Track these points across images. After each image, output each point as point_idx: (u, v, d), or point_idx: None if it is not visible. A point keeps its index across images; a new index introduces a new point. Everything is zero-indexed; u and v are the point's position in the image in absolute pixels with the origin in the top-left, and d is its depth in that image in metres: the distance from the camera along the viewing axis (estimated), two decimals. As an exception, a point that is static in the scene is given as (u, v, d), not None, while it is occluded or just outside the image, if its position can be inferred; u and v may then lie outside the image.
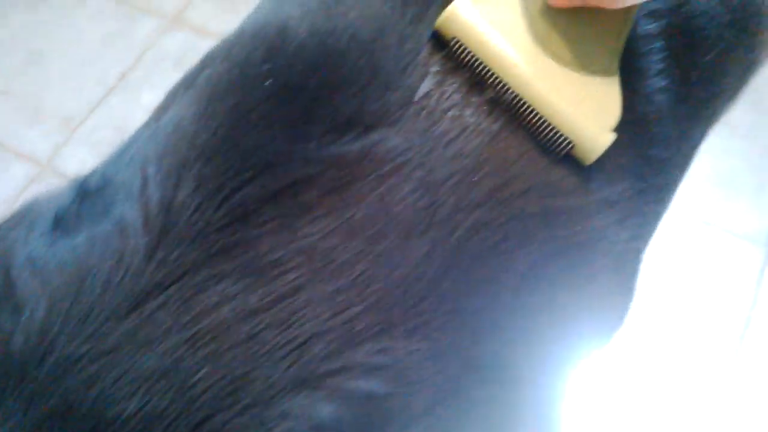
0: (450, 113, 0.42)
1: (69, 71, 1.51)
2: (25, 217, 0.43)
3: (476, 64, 0.41)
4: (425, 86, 0.42)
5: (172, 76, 1.48)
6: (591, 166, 0.43)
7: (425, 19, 0.43)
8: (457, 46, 0.42)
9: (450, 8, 0.41)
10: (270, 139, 0.40)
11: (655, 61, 0.46)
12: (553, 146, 0.41)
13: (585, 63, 0.42)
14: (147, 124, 0.45)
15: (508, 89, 0.41)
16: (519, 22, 0.42)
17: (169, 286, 0.37)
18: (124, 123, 1.43)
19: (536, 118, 0.41)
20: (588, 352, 0.46)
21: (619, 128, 0.43)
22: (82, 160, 1.39)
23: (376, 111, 0.41)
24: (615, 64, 0.43)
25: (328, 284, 0.37)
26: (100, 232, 0.39)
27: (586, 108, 0.41)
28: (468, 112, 0.42)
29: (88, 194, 0.42)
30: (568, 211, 0.42)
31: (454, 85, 0.42)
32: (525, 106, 0.41)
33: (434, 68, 0.42)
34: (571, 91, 0.41)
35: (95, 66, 1.51)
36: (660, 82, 0.45)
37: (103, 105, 1.46)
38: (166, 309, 0.36)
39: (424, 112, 0.41)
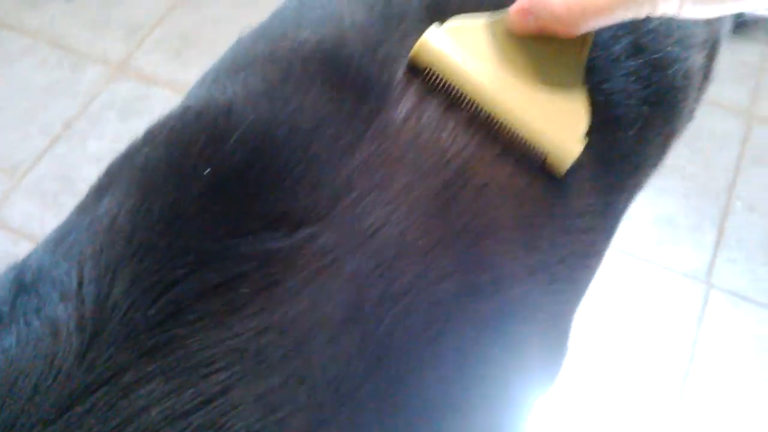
0: (375, 210, 0.43)
1: (13, 120, 1.49)
2: None
3: (449, 88, 0.45)
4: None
5: (118, 125, 1.48)
6: (514, 237, 0.45)
7: (359, 114, 0.44)
8: (430, 73, 0.45)
9: (422, 38, 0.45)
10: (205, 235, 0.40)
11: None
12: (528, 159, 0.46)
13: (550, 80, 0.46)
14: (84, 207, 0.46)
15: (481, 109, 0.45)
16: (487, 46, 0.46)
17: (98, 389, 0.36)
18: (70, 172, 1.42)
19: (509, 134, 0.45)
20: (522, 414, 0.47)
21: (540, 201, 0.46)
22: (26, 210, 1.37)
23: (308, 206, 0.41)
24: (579, 78, 0.47)
25: (258, 384, 0.37)
26: (33, 333, 0.38)
27: (555, 121, 0.45)
28: (389, 208, 0.43)
29: (24, 287, 0.42)
30: (492, 282, 0.44)
31: (378, 179, 0.44)
32: (498, 124, 0.45)
33: (361, 157, 0.44)
34: (540, 107, 0.45)
35: (40, 115, 1.50)
36: (582, 158, 0.47)
37: (49, 154, 1.44)
38: (93, 413, 0.36)
39: (352, 206, 0.42)
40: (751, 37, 1.58)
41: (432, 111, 0.46)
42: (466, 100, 0.45)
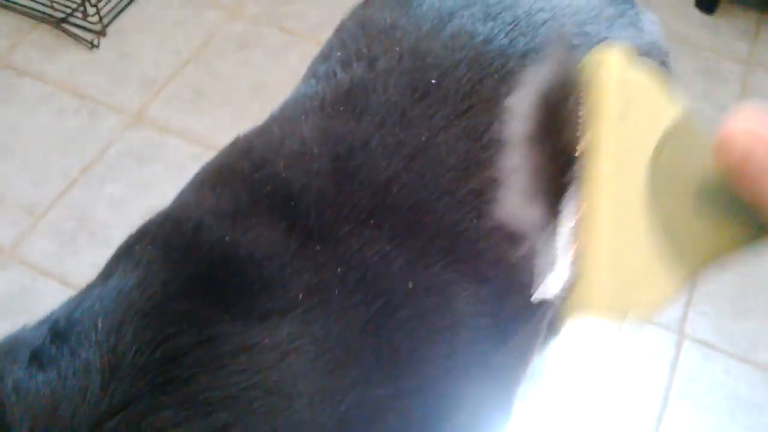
0: (318, 320, 0.56)
1: (34, 164, 1.59)
2: (7, 352, 0.54)
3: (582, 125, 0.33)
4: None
5: (134, 171, 1.58)
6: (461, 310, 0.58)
7: (304, 253, 0.57)
8: (588, 95, 0.34)
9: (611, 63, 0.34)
10: (191, 307, 0.54)
11: None
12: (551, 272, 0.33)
13: (666, 247, 0.33)
14: (95, 284, 0.59)
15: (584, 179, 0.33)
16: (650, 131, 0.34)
17: (119, 412, 0.48)
18: (87, 213, 1.51)
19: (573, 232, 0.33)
20: None
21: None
22: (45, 248, 1.46)
23: (268, 310, 0.55)
24: (686, 273, 0.35)
25: (249, 428, 0.50)
26: (70, 370, 0.50)
27: (629, 269, 0.32)
28: (328, 323, 0.56)
29: (58, 335, 0.54)
30: (417, 385, 0.60)
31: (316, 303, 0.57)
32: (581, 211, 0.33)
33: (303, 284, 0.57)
34: (633, 242, 0.33)
35: (59, 159, 1.59)
36: None
37: (67, 196, 1.53)
38: (120, 430, 0.47)
39: (299, 318, 0.55)
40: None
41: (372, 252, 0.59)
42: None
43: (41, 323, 0.56)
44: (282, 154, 0.63)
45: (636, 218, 0.33)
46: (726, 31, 1.86)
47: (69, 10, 1.80)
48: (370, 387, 0.56)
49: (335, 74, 0.67)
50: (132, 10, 1.86)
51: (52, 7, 1.79)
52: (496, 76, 0.64)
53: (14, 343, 0.54)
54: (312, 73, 0.72)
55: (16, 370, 0.50)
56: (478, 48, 0.64)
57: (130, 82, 1.73)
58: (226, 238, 0.58)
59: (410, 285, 0.59)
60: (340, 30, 0.73)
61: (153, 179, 1.51)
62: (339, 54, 0.69)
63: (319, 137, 0.63)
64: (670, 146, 0.34)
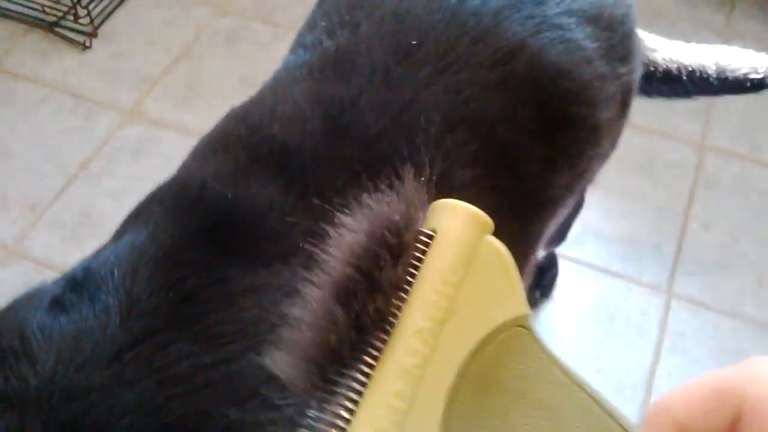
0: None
1: (33, 163, 1.63)
2: (30, 299, 0.58)
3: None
4: None
5: (131, 165, 1.62)
6: None
7: (302, 205, 0.61)
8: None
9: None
10: (200, 254, 0.58)
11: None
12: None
13: None
14: (108, 244, 0.64)
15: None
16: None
17: (137, 344, 0.53)
18: (87, 208, 1.55)
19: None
20: None
21: None
22: (47, 242, 1.50)
23: (271, 255, 0.59)
24: None
25: (257, 359, 0.54)
26: (90, 312, 0.55)
27: None
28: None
29: (76, 284, 0.58)
30: None
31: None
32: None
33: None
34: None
35: (58, 157, 1.63)
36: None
37: (67, 192, 1.57)
38: (138, 360, 0.52)
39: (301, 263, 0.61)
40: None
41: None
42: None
43: (60, 278, 0.60)
44: (276, 117, 0.67)
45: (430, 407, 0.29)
46: (703, 4, 1.91)
47: (60, 14, 1.84)
48: None
49: (321, 42, 0.72)
50: (122, 11, 1.90)
51: (43, 12, 1.83)
52: (472, 33, 0.68)
53: (36, 293, 0.58)
54: (299, 43, 0.76)
55: (39, 314, 0.54)
56: (454, 8, 0.69)
57: (124, 80, 1.77)
58: (229, 195, 0.62)
59: None
60: (322, 1, 0.77)
61: (149, 172, 1.54)
62: (323, 24, 0.73)
63: (310, 100, 0.67)
64: (499, 343, 0.31)
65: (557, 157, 0.70)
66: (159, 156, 1.60)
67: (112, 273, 0.56)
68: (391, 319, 0.30)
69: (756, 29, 1.85)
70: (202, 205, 0.62)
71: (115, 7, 1.90)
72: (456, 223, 0.32)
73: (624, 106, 0.78)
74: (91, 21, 1.82)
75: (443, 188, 0.66)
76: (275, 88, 0.71)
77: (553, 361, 0.31)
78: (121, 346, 0.52)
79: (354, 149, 0.64)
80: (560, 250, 1.45)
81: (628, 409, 1.29)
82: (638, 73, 0.80)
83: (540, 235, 0.74)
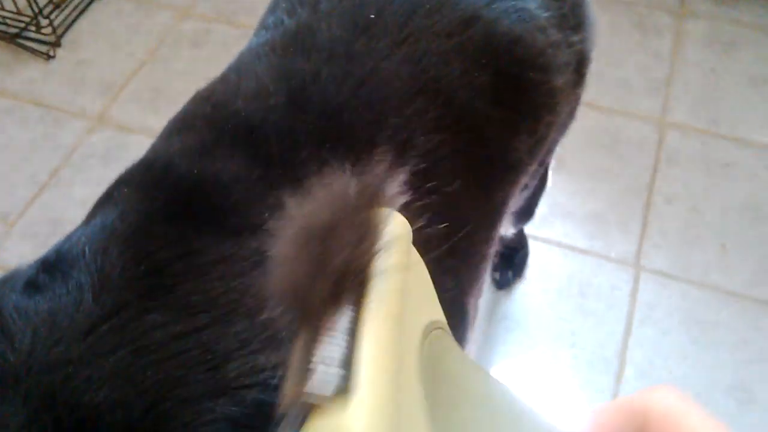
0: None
1: (2, 173, 1.62)
2: (4, 283, 0.59)
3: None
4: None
5: (101, 171, 1.63)
6: None
7: (267, 178, 0.63)
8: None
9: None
10: (169, 228, 0.60)
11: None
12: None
13: None
14: (80, 226, 0.65)
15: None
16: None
17: (111, 317, 0.54)
18: (59, 216, 1.55)
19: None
20: None
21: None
22: (21, 252, 1.50)
23: (239, 226, 0.60)
24: None
25: (232, 326, 0.54)
26: (63, 290, 0.56)
27: None
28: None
29: (49, 265, 0.59)
30: None
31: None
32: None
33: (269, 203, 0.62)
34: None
35: (27, 167, 1.63)
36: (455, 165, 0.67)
37: (38, 201, 1.57)
38: (113, 331, 0.53)
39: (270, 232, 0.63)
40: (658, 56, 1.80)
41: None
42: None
43: (33, 262, 0.62)
44: (240, 94, 0.69)
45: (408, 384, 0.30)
46: (656, -12, 1.96)
47: (23, 25, 1.84)
48: None
49: (282, 22, 0.73)
50: (84, 19, 1.91)
51: (5, 24, 1.83)
52: (428, 5, 0.70)
53: (10, 277, 0.59)
54: (262, 25, 0.78)
55: (14, 296, 0.56)
56: None
57: (89, 87, 1.77)
58: (195, 171, 0.64)
59: None
60: None
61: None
62: (284, 5, 0.75)
63: (272, 76, 0.69)
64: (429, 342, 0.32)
65: (516, 122, 0.72)
66: (129, 161, 1.59)
67: (84, 252, 0.58)
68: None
69: (710, 10, 1.90)
70: (169, 182, 0.63)
71: (78, 16, 1.90)
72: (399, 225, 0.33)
73: (579, 76, 0.81)
74: (54, 31, 1.82)
75: (407, 155, 0.69)
76: (239, 67, 0.73)
77: (467, 357, 0.35)
78: (95, 319, 0.53)
79: (317, 121, 0.66)
80: (530, 231, 1.48)
81: (603, 381, 1.32)
82: (590, 43, 0.83)
83: (504, 202, 0.76)
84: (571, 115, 0.88)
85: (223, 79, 0.73)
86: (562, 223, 1.53)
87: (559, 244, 1.50)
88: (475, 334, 0.85)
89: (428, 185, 0.69)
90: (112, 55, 1.83)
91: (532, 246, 1.48)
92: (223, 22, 1.89)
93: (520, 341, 1.38)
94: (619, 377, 1.33)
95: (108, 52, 1.84)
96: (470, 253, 0.73)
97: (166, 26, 1.89)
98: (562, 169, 1.59)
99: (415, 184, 0.68)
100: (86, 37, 1.87)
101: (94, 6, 1.93)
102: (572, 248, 1.49)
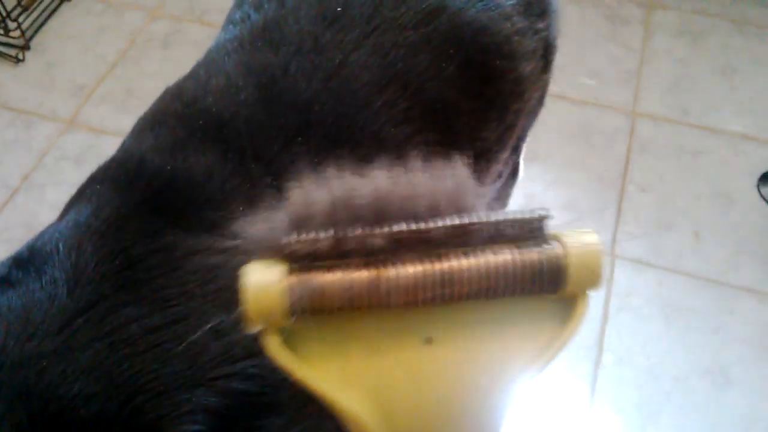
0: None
1: (-27, 178, 1.60)
2: None
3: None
4: None
5: (73, 174, 1.61)
6: None
7: (240, 172, 0.63)
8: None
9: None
10: (143, 224, 0.60)
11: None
12: None
13: None
14: (52, 224, 0.64)
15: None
16: None
17: (87, 310, 0.53)
18: (32, 220, 1.53)
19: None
20: None
21: None
22: (-6, 257, 1.48)
23: (214, 221, 0.61)
24: None
25: (205, 318, 0.55)
26: (37, 285, 0.55)
27: None
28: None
29: (22, 261, 0.58)
30: None
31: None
32: None
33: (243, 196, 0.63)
34: None
35: (-2, 171, 1.61)
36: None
37: (10, 205, 1.56)
38: (88, 325, 0.53)
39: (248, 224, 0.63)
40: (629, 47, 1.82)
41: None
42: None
43: (5, 260, 0.61)
44: (210, 90, 0.69)
45: None
46: (624, -20, 1.98)
47: (-11, 28, 1.81)
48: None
49: (249, 17, 0.73)
50: (53, 22, 1.89)
51: (-29, 27, 1.81)
52: None
53: None
54: (229, 21, 0.77)
55: None
56: None
57: (60, 90, 1.75)
58: (167, 167, 0.64)
59: None
60: None
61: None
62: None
63: (242, 71, 0.69)
64: None
65: (485, 110, 0.73)
66: (100, 163, 1.59)
67: (58, 248, 0.57)
68: None
69: (678, 1, 1.93)
70: (142, 178, 0.63)
71: (46, 19, 1.88)
72: None
73: (546, 62, 0.81)
74: (22, 34, 1.80)
75: (377, 147, 0.69)
76: (208, 63, 0.73)
77: None
78: (70, 314, 0.52)
79: (287, 115, 0.66)
80: (506, 223, 1.49)
81: (583, 368, 1.33)
82: (556, 30, 0.83)
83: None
84: (539, 102, 0.88)
85: (193, 75, 0.73)
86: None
87: (535, 235, 1.51)
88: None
89: None
90: (82, 57, 1.82)
91: (509, 237, 1.49)
92: (193, 21, 1.88)
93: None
94: (597, 364, 1.34)
95: (78, 54, 1.82)
96: None
97: (136, 27, 1.87)
98: (536, 160, 1.60)
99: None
100: (55, 40, 1.85)
101: (62, 8, 1.91)
102: (548, 239, 1.50)
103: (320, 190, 0.31)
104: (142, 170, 0.64)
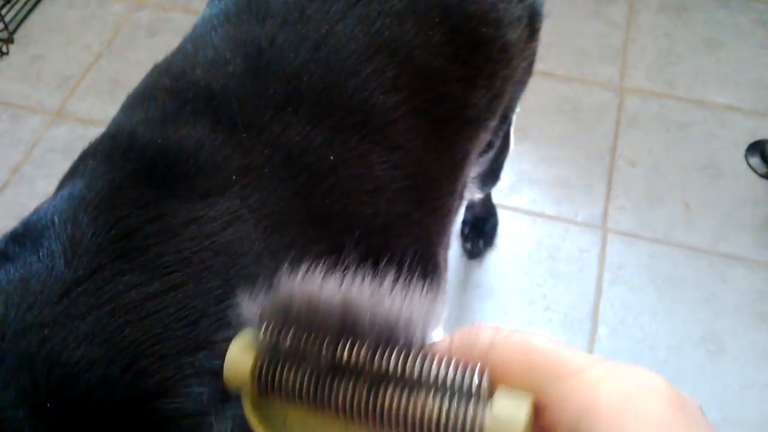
0: (254, 195, 0.62)
1: (-39, 173, 1.59)
2: None
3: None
4: None
5: (63, 165, 1.59)
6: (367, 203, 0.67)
7: (231, 141, 0.63)
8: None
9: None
10: (135, 194, 0.59)
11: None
12: None
13: None
14: (48, 199, 0.64)
15: None
16: None
17: (86, 279, 0.53)
18: (23, 212, 1.52)
19: None
20: None
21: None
22: (-14, 250, 1.47)
23: (207, 189, 0.61)
24: None
25: (206, 283, 0.55)
26: (34, 257, 0.55)
27: None
28: (263, 194, 0.63)
29: (18, 236, 0.59)
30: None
31: (251, 180, 0.63)
32: None
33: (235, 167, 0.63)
34: None
35: (-14, 165, 1.61)
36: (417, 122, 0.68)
37: (0, 198, 1.55)
38: (87, 294, 0.53)
39: (238, 193, 0.61)
40: (614, 24, 1.83)
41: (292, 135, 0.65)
42: None
43: (1, 237, 0.61)
44: (198, 64, 0.69)
45: None
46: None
47: (-28, 22, 1.80)
48: (308, 244, 0.62)
49: None
50: (36, 14, 1.87)
51: (-46, 22, 1.80)
52: None
53: None
54: None
55: None
56: None
57: (46, 82, 1.74)
58: (159, 139, 0.64)
59: (331, 158, 0.66)
60: None
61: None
62: None
63: (229, 44, 0.69)
64: None
65: (472, 78, 0.73)
66: (91, 152, 1.59)
67: (53, 221, 0.57)
68: None
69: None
70: (134, 151, 0.63)
71: (29, 11, 1.87)
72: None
73: (532, 30, 0.82)
74: (6, 27, 1.79)
75: (367, 114, 0.69)
76: (195, 38, 0.73)
77: None
78: (68, 283, 0.52)
79: (276, 85, 0.66)
80: (498, 200, 1.50)
81: (578, 341, 1.34)
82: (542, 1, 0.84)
83: (465, 156, 0.77)
84: (527, 71, 0.89)
85: (180, 50, 0.72)
86: (529, 191, 1.55)
87: (527, 212, 1.52)
88: (446, 295, 0.86)
89: (390, 142, 0.69)
90: (67, 49, 1.81)
91: (501, 215, 1.50)
92: (178, 9, 1.87)
93: (494, 308, 1.40)
94: (592, 337, 1.35)
95: (63, 46, 1.81)
96: (436, 206, 0.73)
97: (121, 16, 1.86)
98: (526, 138, 1.61)
99: (379, 142, 0.69)
100: (39, 32, 1.84)
101: (45, 0, 1.90)
102: (540, 214, 1.51)
103: (305, 286, 0.33)
104: (134, 143, 0.64)
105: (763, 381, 1.30)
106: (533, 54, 0.88)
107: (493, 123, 0.83)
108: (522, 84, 0.90)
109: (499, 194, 1.52)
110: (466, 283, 1.43)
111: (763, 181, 1.55)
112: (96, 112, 1.68)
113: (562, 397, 0.27)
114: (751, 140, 1.60)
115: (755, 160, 1.57)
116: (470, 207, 1.45)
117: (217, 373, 0.53)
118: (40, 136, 1.65)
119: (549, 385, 0.27)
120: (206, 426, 0.51)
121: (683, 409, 0.26)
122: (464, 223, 1.47)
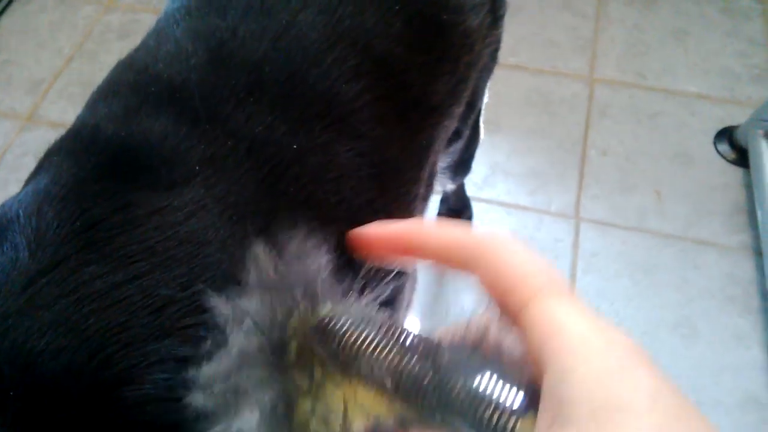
0: (220, 184, 0.63)
1: (-68, 179, 1.58)
2: None
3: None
4: None
5: (36, 169, 1.59)
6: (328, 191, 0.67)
7: (195, 133, 0.64)
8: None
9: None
10: (99, 186, 0.60)
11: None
12: None
13: None
14: (13, 195, 0.65)
15: None
16: None
17: (51, 270, 0.54)
18: (-4, 217, 1.52)
19: None
20: None
21: None
22: (-41, 256, 1.46)
23: (171, 181, 0.61)
24: None
25: (169, 272, 0.55)
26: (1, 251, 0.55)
27: None
28: (229, 184, 0.64)
29: None
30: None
31: (215, 170, 0.63)
32: None
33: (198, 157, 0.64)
34: None
35: (-42, 171, 1.59)
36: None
37: (-28, 204, 1.54)
38: (51, 284, 0.53)
39: (202, 181, 0.62)
40: (583, 15, 1.84)
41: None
42: None
43: None
44: (160, 58, 0.69)
45: None
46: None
47: (-60, 28, 1.79)
48: (272, 232, 0.62)
49: None
50: (5, 19, 1.86)
51: None
52: None
53: None
54: None
55: None
56: None
57: (17, 87, 1.73)
58: (122, 133, 0.64)
59: (295, 147, 0.67)
60: None
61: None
62: None
63: (191, 37, 0.69)
64: None
65: (435, 64, 0.74)
66: (64, 156, 1.58)
67: (18, 215, 0.57)
68: None
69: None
70: (97, 145, 0.63)
71: (-1, 16, 1.86)
72: None
73: (495, 17, 0.83)
74: (-25, 32, 1.78)
75: (330, 103, 0.70)
76: (157, 33, 0.73)
77: None
78: (33, 274, 0.53)
79: (238, 76, 0.67)
80: (473, 193, 1.51)
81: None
82: None
83: (430, 143, 0.77)
84: (492, 57, 0.90)
85: (143, 46, 0.73)
86: (504, 183, 1.56)
87: (501, 203, 1.53)
88: (416, 282, 0.87)
89: (354, 131, 0.70)
90: (37, 53, 1.80)
91: (476, 207, 1.51)
92: (150, 11, 1.87)
93: (471, 300, 1.40)
94: (567, 325, 1.36)
95: (33, 50, 1.80)
96: (400, 192, 0.74)
97: (92, 19, 1.86)
98: (498, 130, 1.62)
99: (342, 131, 0.69)
100: (8, 36, 1.83)
101: (14, 5, 1.89)
102: (514, 206, 1.52)
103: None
104: (97, 137, 0.64)
105: (736, 363, 1.32)
106: (497, 41, 0.89)
107: (458, 109, 0.84)
108: (488, 71, 0.91)
109: (473, 187, 1.53)
110: (441, 276, 1.44)
111: (732, 167, 1.57)
112: (68, 116, 1.67)
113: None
114: (720, 127, 1.63)
115: (724, 147, 1.59)
116: (445, 200, 1.46)
117: (183, 359, 0.53)
118: (12, 142, 1.64)
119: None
120: (170, 412, 0.51)
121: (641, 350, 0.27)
122: (439, 216, 1.48)
